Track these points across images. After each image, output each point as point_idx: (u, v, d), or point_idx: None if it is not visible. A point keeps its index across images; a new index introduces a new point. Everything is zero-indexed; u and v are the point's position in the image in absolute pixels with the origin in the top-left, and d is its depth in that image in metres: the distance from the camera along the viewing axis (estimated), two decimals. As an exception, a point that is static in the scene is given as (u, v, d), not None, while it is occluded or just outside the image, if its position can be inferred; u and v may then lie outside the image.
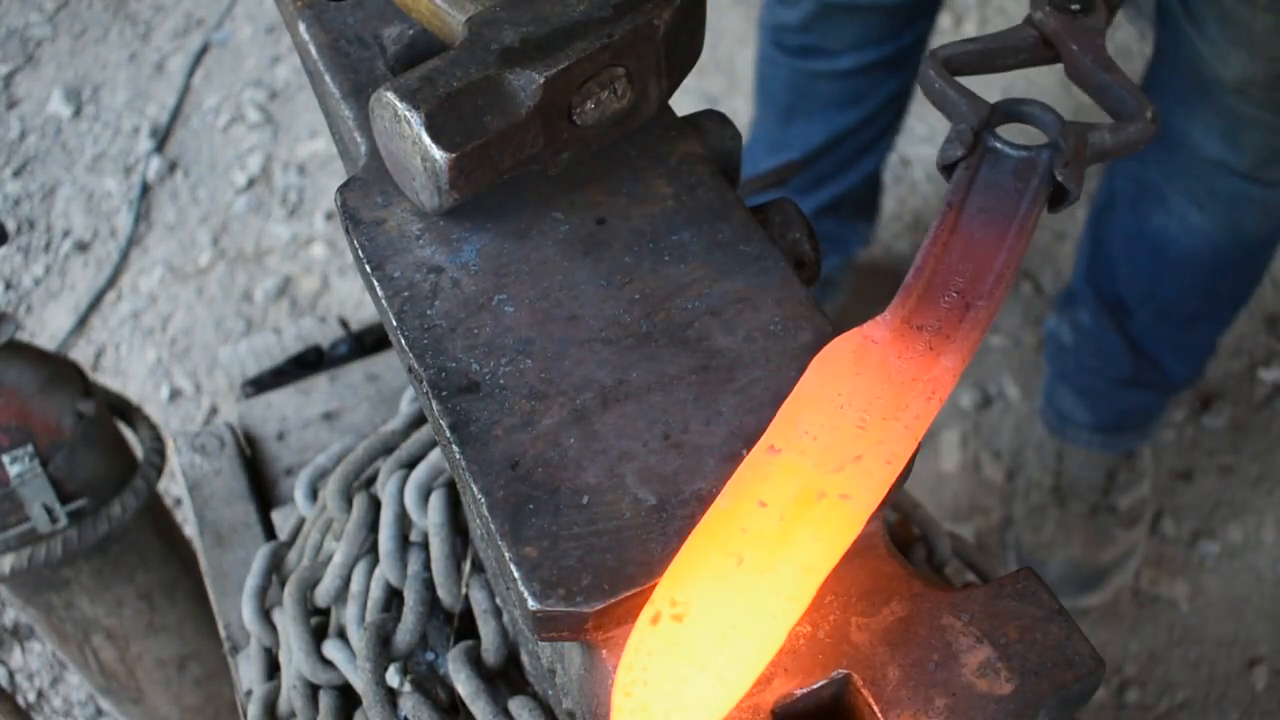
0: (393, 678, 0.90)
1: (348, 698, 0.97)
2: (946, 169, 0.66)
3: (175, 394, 2.44)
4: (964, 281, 0.62)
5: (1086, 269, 1.94)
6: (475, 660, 0.89)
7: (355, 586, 0.98)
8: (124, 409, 1.44)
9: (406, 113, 0.61)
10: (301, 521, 1.14)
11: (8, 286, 2.65)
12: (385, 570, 0.96)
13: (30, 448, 1.24)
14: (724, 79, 2.86)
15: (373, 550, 1.00)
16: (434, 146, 0.61)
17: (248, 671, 1.11)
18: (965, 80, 0.67)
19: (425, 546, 0.96)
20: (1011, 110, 0.66)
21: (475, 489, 0.57)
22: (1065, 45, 0.69)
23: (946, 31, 2.86)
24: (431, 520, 0.94)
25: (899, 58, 1.90)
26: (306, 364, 1.48)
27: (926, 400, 0.58)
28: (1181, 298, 1.82)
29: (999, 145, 0.65)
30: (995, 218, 0.63)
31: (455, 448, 0.59)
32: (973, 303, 0.61)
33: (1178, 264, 1.77)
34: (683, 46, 0.69)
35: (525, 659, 0.90)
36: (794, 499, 0.55)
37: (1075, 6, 0.69)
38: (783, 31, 1.91)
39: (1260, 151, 1.57)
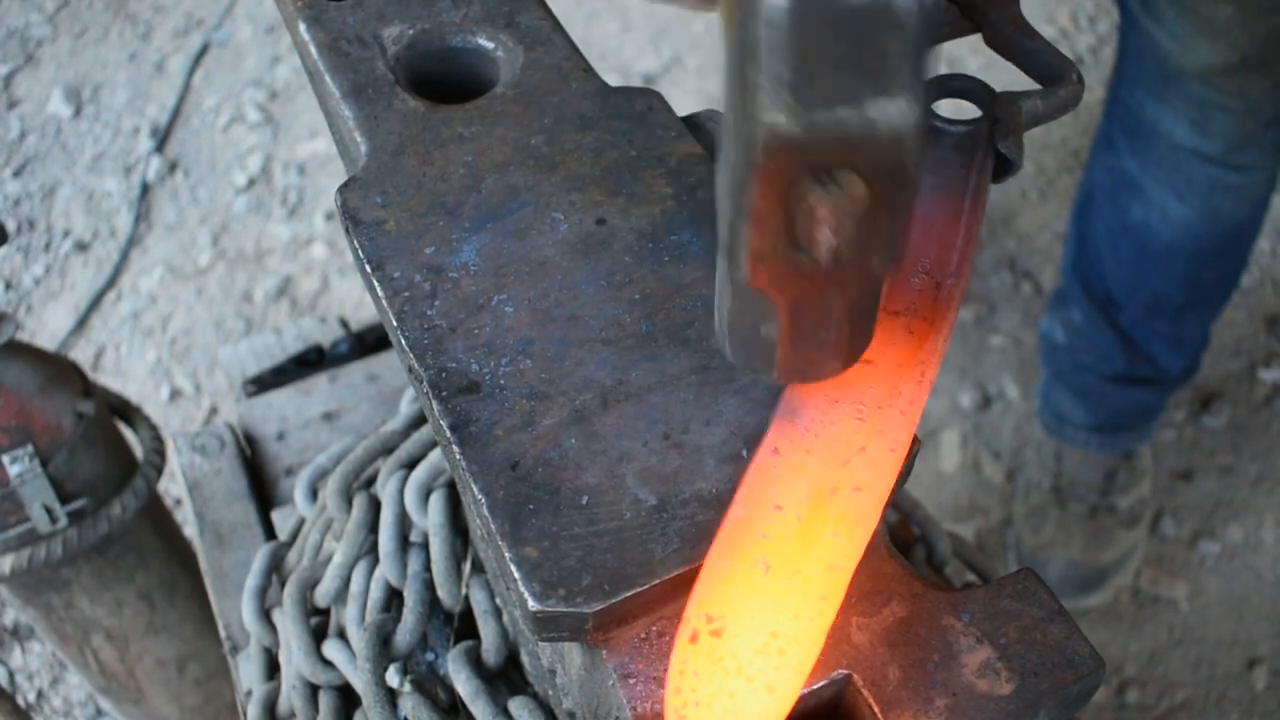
0: (393, 678, 0.90)
1: (348, 698, 0.97)
2: None
3: (175, 394, 2.44)
4: (929, 261, 0.63)
5: (1074, 265, 1.95)
6: (475, 660, 0.89)
7: (355, 587, 0.98)
8: (124, 409, 1.44)
9: None
10: (301, 522, 1.14)
11: (8, 286, 2.65)
12: (385, 570, 0.96)
13: (30, 448, 1.24)
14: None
15: (373, 550, 1.00)
16: None
17: (248, 671, 1.11)
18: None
19: (425, 547, 0.96)
20: (943, 86, 0.67)
21: (475, 489, 0.57)
22: (983, 15, 0.70)
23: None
24: (431, 520, 0.94)
25: None
26: (308, 363, 1.48)
27: (917, 384, 0.59)
28: (1168, 288, 1.82)
29: (938, 123, 0.66)
30: (947, 195, 0.64)
31: (455, 448, 0.59)
32: (942, 282, 0.62)
33: (1161, 254, 1.78)
34: None
35: (525, 659, 0.90)
36: (808, 499, 0.55)
37: None
38: None
39: (1230, 137, 1.58)
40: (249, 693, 1.09)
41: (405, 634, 0.92)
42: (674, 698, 0.51)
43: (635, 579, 0.54)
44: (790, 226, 0.43)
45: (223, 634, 1.17)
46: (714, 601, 0.53)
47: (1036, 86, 0.67)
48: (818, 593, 0.53)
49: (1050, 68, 0.67)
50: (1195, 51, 1.49)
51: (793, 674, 0.52)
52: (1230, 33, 1.44)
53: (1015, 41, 0.69)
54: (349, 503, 1.03)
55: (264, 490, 1.32)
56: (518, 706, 0.85)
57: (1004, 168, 0.66)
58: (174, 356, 2.50)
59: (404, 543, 0.97)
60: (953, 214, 0.64)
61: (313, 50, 0.77)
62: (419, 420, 1.11)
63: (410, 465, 1.02)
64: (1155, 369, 1.95)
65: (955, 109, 0.65)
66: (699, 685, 0.51)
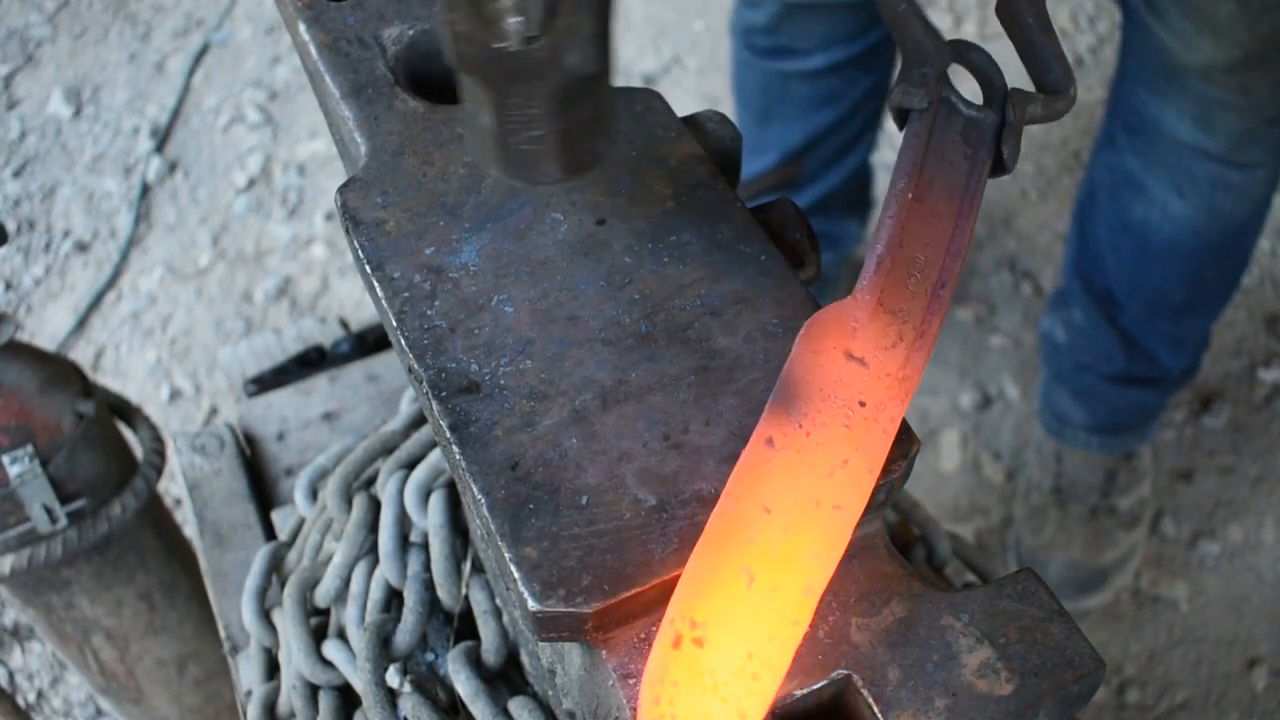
0: (393, 678, 0.90)
1: (348, 698, 0.97)
2: (901, 115, 0.65)
3: (175, 394, 2.44)
4: (925, 259, 0.62)
5: (1075, 263, 1.95)
6: (475, 661, 0.89)
7: (355, 587, 0.98)
8: (124, 409, 1.44)
9: None
10: (301, 522, 1.14)
11: (8, 286, 2.65)
12: (385, 571, 0.96)
13: (30, 448, 1.24)
14: (724, 79, 2.86)
15: (373, 551, 1.00)
16: None
17: (248, 672, 1.11)
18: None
19: (425, 547, 0.96)
20: (961, 55, 0.66)
21: (475, 489, 0.57)
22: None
23: (947, 32, 2.86)
24: (431, 521, 0.94)
25: (869, 55, 1.91)
26: (308, 363, 1.48)
27: (900, 403, 0.59)
28: (1169, 286, 1.83)
29: (953, 99, 0.65)
30: (946, 189, 0.64)
31: (455, 448, 0.59)
32: (936, 290, 0.62)
33: (1162, 253, 1.78)
34: None
35: (525, 659, 0.90)
36: (794, 507, 0.55)
37: None
38: (752, 33, 1.92)
39: (1232, 134, 1.59)
40: (249, 693, 1.09)
41: (405, 634, 0.92)
42: (651, 706, 0.51)
43: (635, 579, 0.54)
44: (481, 3, 0.44)
45: (223, 634, 1.17)
46: (699, 605, 0.53)
47: (1031, 83, 0.67)
48: (791, 617, 0.53)
49: (1051, 70, 0.67)
50: (1197, 49, 1.49)
51: (761, 700, 0.52)
52: (1232, 30, 1.44)
53: (1029, 32, 0.67)
54: (349, 503, 1.03)
55: (264, 490, 1.32)
56: (518, 706, 0.85)
57: (997, 167, 0.66)
58: (174, 356, 2.50)
59: (404, 543, 0.97)
60: (949, 210, 0.63)
61: (313, 50, 0.77)
62: (419, 420, 1.11)
63: (410, 465, 1.02)
64: (1156, 369, 1.95)
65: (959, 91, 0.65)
66: (677, 698, 0.51)
